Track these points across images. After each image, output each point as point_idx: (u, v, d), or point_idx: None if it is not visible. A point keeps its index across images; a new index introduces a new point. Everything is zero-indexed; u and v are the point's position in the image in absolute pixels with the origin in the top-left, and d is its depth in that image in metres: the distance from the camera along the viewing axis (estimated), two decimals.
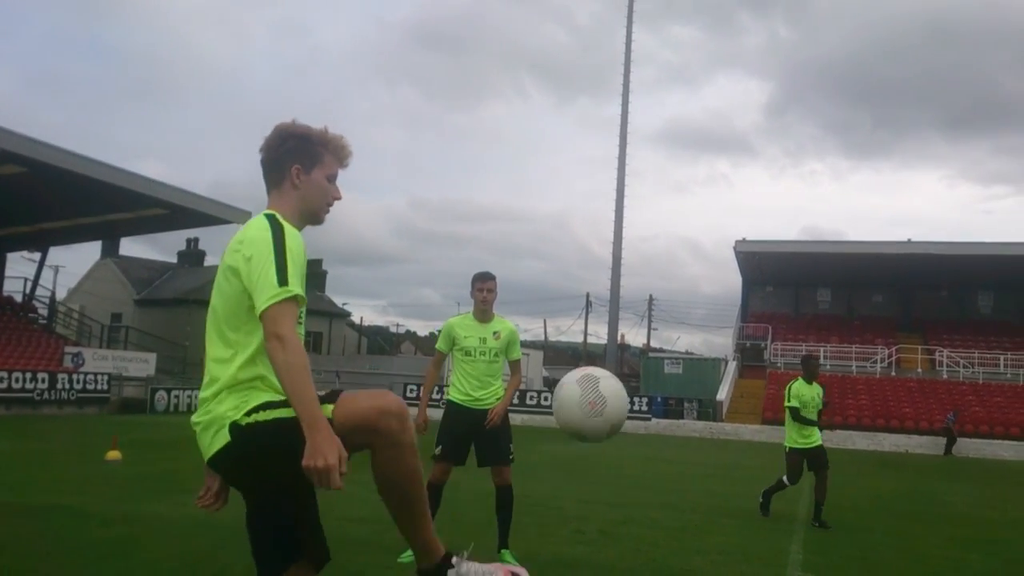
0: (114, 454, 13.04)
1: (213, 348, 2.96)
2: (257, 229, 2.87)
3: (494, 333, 6.86)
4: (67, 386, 28.59)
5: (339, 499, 10.00)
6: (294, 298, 2.75)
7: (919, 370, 39.37)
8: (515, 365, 7.04)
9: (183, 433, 17.14)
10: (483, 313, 6.88)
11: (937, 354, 39.66)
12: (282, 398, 2.79)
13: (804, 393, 10.67)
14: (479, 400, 6.79)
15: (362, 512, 9.11)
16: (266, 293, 2.73)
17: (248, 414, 2.81)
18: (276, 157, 3.05)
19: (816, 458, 10.63)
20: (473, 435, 6.75)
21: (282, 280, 2.73)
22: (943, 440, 30.80)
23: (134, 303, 46.90)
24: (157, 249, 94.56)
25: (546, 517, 9.44)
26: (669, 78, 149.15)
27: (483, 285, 6.86)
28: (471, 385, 6.79)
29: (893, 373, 38.93)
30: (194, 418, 2.98)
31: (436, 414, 6.45)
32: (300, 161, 3.04)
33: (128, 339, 39.72)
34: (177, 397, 32.03)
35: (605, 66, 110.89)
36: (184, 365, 40.45)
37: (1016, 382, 36.96)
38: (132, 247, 66.57)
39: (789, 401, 10.68)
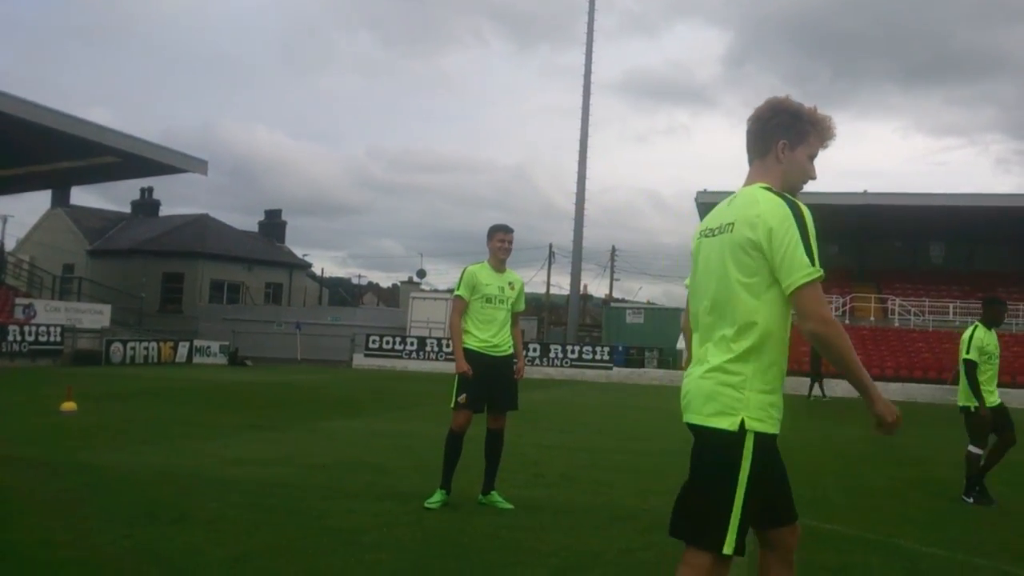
0: (69, 405, 12.91)
1: (717, 322, 3.02)
2: (773, 204, 2.92)
3: (509, 283, 7.06)
4: (19, 338, 28.19)
5: (301, 448, 10.06)
6: (820, 278, 2.87)
7: (872, 319, 40.04)
8: (517, 317, 7.19)
9: (140, 385, 17.10)
10: (500, 263, 7.07)
11: (890, 303, 40.33)
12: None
13: (989, 342, 8.65)
14: (497, 346, 6.91)
15: (324, 460, 9.17)
16: (799, 272, 2.84)
17: (762, 422, 2.97)
18: (765, 129, 3.11)
19: (1002, 415, 8.63)
20: (490, 381, 6.83)
21: (812, 260, 2.85)
22: (893, 386, 31.44)
23: (87, 254, 46.21)
24: (109, 199, 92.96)
25: (507, 462, 9.46)
26: (630, 26, 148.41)
27: (505, 236, 7.06)
28: (490, 332, 6.90)
29: (847, 321, 39.50)
30: (695, 370, 3.08)
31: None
32: (787, 136, 3.10)
33: (81, 290, 39.16)
34: (133, 349, 31.72)
35: (565, 12, 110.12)
36: (140, 316, 40.04)
37: (964, 329, 37.62)
38: (83, 196, 65.38)
39: (968, 353, 8.63)
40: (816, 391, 27.94)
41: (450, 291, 51.34)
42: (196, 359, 34.85)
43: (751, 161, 3.17)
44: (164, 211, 53.65)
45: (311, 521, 6.09)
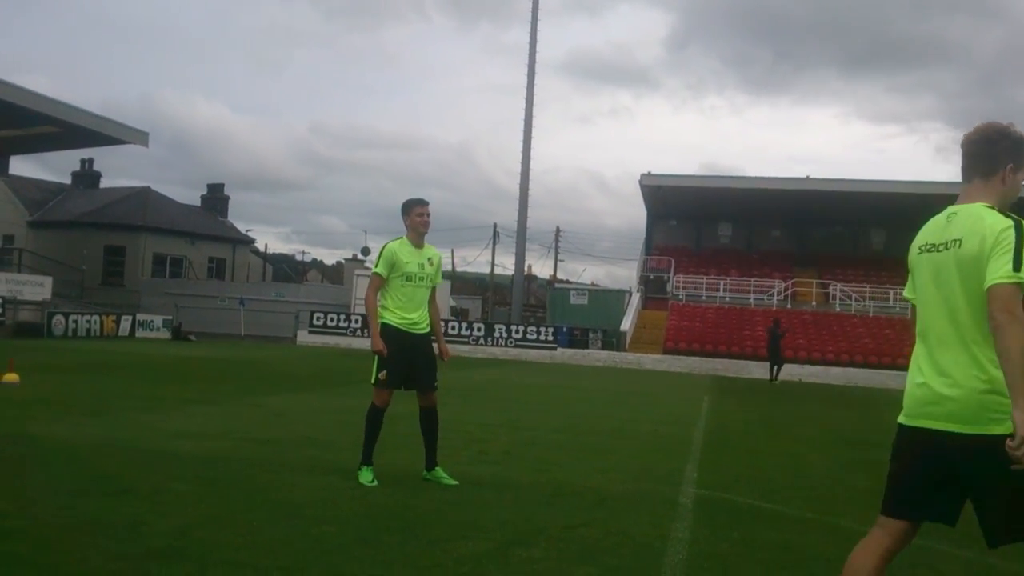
0: (11, 376, 12.69)
1: (963, 332, 3.17)
2: (1000, 220, 3.10)
3: (428, 259, 6.95)
4: None
5: (244, 423, 10.01)
6: (1020, 283, 2.99)
7: (813, 303, 40.74)
8: (434, 292, 7.11)
9: (82, 358, 16.86)
10: (420, 238, 6.95)
11: (831, 288, 41.04)
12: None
13: None
14: (416, 324, 6.85)
15: (267, 435, 9.14)
16: (1002, 271, 3.00)
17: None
18: (992, 152, 3.28)
19: None
20: (411, 360, 6.81)
21: (1018, 267, 2.98)
22: (835, 370, 32.15)
23: (27, 224, 45.19)
24: (47, 169, 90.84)
25: (451, 440, 9.55)
26: (573, 5, 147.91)
27: (423, 210, 6.93)
28: (411, 310, 6.82)
29: (789, 306, 40.18)
30: (939, 380, 3.20)
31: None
32: (1014, 160, 3.28)
33: (22, 262, 38.34)
34: (75, 322, 31.19)
35: None
36: (82, 289, 39.33)
37: (904, 315, 38.50)
38: (21, 166, 63.85)
39: None
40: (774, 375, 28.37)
41: None
42: (139, 333, 34.38)
43: (970, 179, 3.36)
44: (105, 183, 52.68)
45: (254, 494, 6.09)
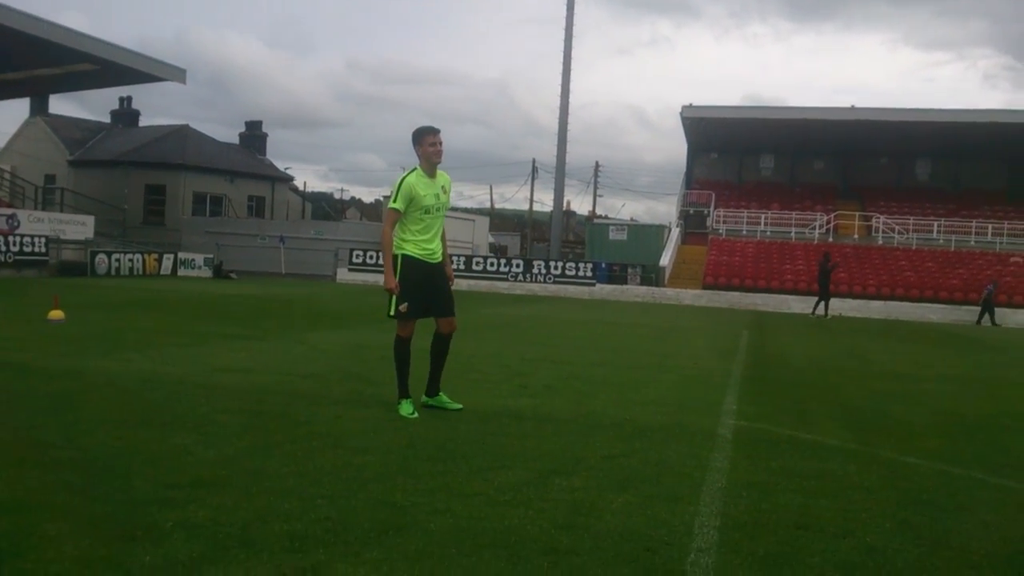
0: (56, 313, 12.92)
1: None
2: None
3: (442, 188, 6.87)
4: (3, 249, 28.06)
5: (287, 357, 10.15)
6: None
7: (855, 236, 40.21)
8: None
9: (126, 296, 17.14)
10: (433, 168, 6.82)
11: (874, 220, 40.46)
12: None
13: None
14: (434, 253, 6.85)
15: (310, 369, 9.26)
16: None
17: None
18: None
19: None
20: (432, 288, 6.84)
21: None
22: (875, 304, 31.83)
23: (68, 164, 45.63)
24: (86, 108, 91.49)
25: (492, 374, 9.66)
26: None
27: (435, 139, 6.78)
28: (428, 239, 6.80)
29: (830, 239, 39.70)
30: None
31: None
32: None
33: (64, 201, 38.81)
34: (118, 260, 31.65)
35: None
36: (124, 229, 39.81)
37: (948, 248, 37.99)
38: (61, 105, 64.31)
39: None
40: (820, 311, 28.06)
41: None
42: (181, 271, 34.83)
43: None
44: (143, 122, 52.92)
45: (298, 426, 6.18)
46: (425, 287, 6.77)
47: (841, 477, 5.56)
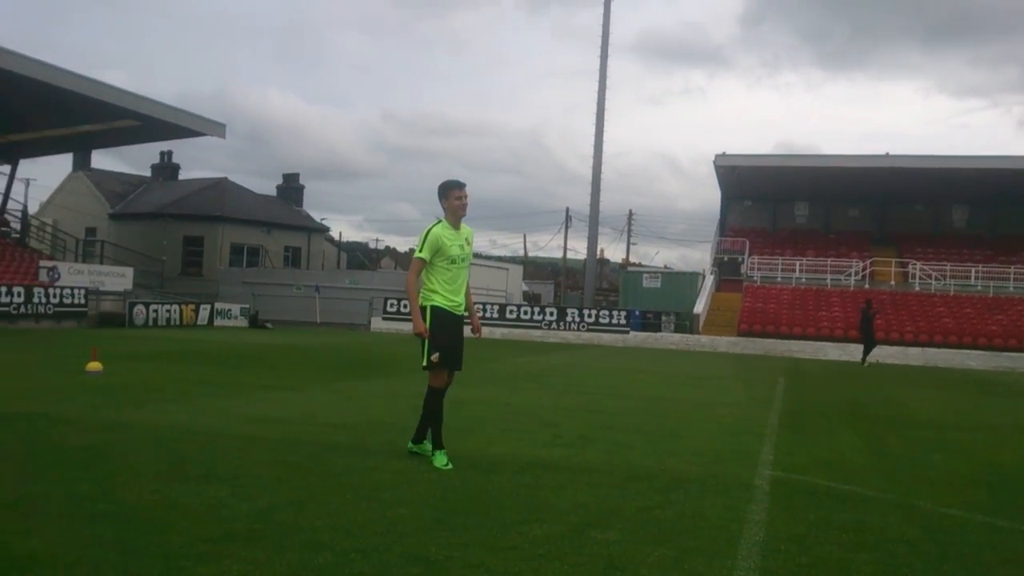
0: (95, 365, 13.06)
1: None
2: None
3: (466, 239, 7.00)
4: (44, 300, 28.49)
5: (322, 408, 10.17)
6: None
7: (892, 283, 39.83)
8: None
9: (163, 346, 17.26)
10: (458, 221, 6.96)
11: (910, 267, 40.08)
12: None
13: None
14: (459, 305, 6.95)
15: (344, 419, 9.27)
16: None
17: None
18: None
19: None
20: (456, 341, 6.92)
21: None
22: (913, 351, 31.41)
23: (108, 217, 46.47)
24: (127, 162, 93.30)
25: (526, 424, 9.62)
26: None
27: (461, 193, 6.93)
28: (454, 291, 6.90)
29: (867, 286, 39.36)
30: None
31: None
32: None
33: (104, 253, 39.45)
34: (156, 311, 32.00)
35: None
36: (162, 280, 40.33)
37: (986, 294, 37.49)
38: (103, 160, 65.60)
39: None
40: (871, 357, 27.82)
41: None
42: (217, 321, 35.13)
43: None
44: (183, 175, 53.87)
45: (333, 478, 6.18)
46: (454, 339, 6.87)
47: (881, 530, 5.46)
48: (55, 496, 5.32)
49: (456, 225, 6.94)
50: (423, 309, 6.80)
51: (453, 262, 6.86)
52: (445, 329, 6.78)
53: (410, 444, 7.22)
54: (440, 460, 6.76)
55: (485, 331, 37.19)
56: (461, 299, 6.96)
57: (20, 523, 4.68)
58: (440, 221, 6.93)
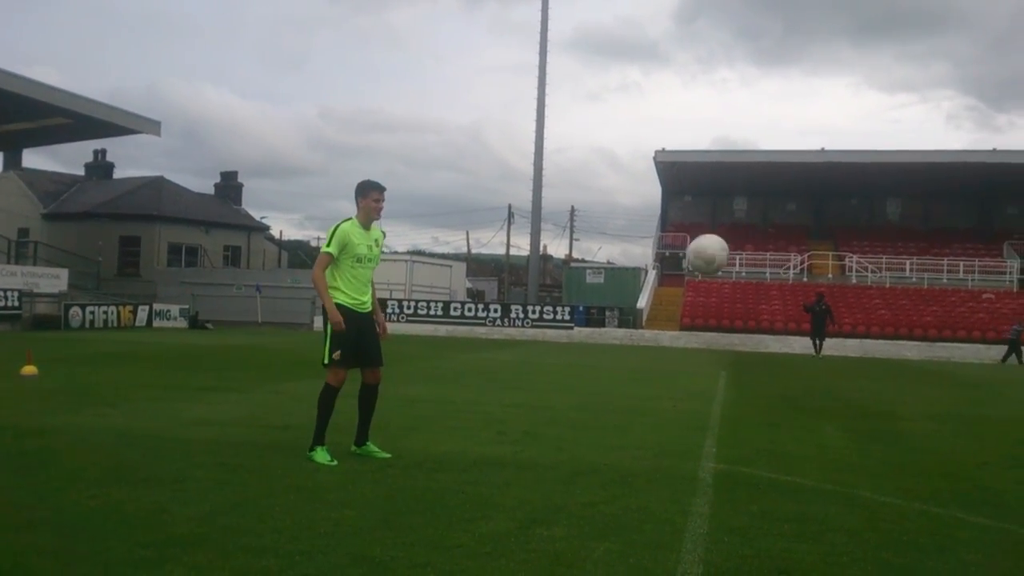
0: (30, 369, 12.77)
1: None
2: None
3: (375, 240, 7.06)
4: None
5: (264, 409, 10.04)
6: None
7: (830, 275, 40.57)
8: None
9: (100, 348, 16.93)
10: (369, 222, 7.03)
11: (847, 260, 40.85)
12: None
13: None
14: (363, 304, 7.00)
15: (287, 420, 9.18)
16: None
17: None
18: None
19: None
20: (360, 339, 6.94)
21: None
22: (851, 342, 32.02)
23: (41, 217, 45.41)
24: (60, 161, 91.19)
25: (470, 420, 9.62)
26: None
27: (380, 196, 7.03)
28: (358, 290, 6.95)
29: (805, 279, 40.03)
30: None
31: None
32: None
33: (37, 254, 38.54)
34: (92, 313, 31.38)
35: None
36: (98, 280, 39.52)
37: (921, 286, 38.36)
38: (34, 159, 64.10)
39: None
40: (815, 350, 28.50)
41: (410, 253, 51.31)
42: (156, 323, 34.58)
43: None
44: (118, 174, 52.83)
45: (275, 480, 6.12)
46: (355, 337, 6.87)
47: (822, 520, 5.55)
48: None
49: (367, 225, 7.00)
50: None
51: (359, 261, 6.91)
52: (349, 328, 6.80)
53: (353, 447, 7.20)
54: (322, 456, 6.77)
55: (429, 328, 37.56)
56: (366, 298, 7.01)
57: None
58: (351, 219, 6.98)
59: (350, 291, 6.90)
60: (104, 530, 4.68)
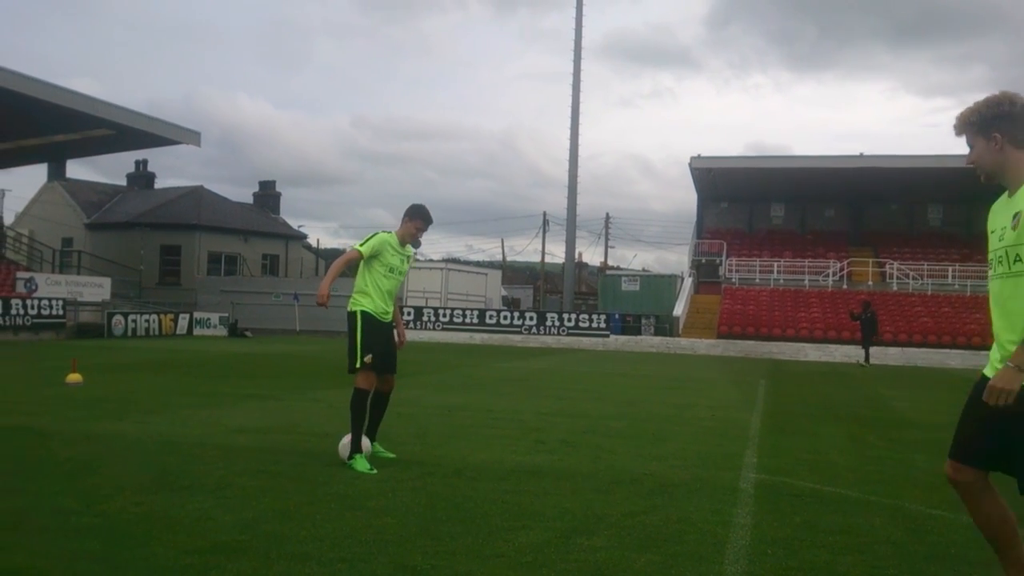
0: (75, 377, 12.96)
1: None
2: None
3: (407, 256, 7.43)
4: (21, 312, 28.24)
5: (303, 416, 10.12)
6: None
7: (870, 283, 40.08)
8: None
9: (143, 356, 17.15)
10: (406, 242, 7.40)
11: (887, 267, 40.36)
12: None
13: None
14: (387, 313, 7.29)
15: (326, 428, 9.23)
16: None
17: None
18: None
19: None
20: (388, 346, 7.27)
21: None
22: (892, 351, 31.60)
23: (85, 227, 46.08)
24: (102, 172, 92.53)
25: (508, 429, 9.62)
26: None
27: (424, 227, 7.44)
28: (385, 300, 7.25)
29: (845, 286, 39.61)
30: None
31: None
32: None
33: (81, 263, 39.13)
34: (134, 321, 31.79)
35: None
36: (140, 289, 40.04)
37: (963, 293, 37.80)
38: (77, 170, 65.10)
39: None
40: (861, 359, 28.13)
41: (445, 260, 51.43)
42: (196, 331, 34.93)
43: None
44: (159, 183, 53.52)
45: (316, 487, 6.15)
46: (384, 345, 7.20)
47: (867, 531, 5.49)
48: (39, 510, 5.27)
49: (403, 243, 7.38)
50: (353, 315, 7.18)
51: (391, 270, 7.24)
52: (376, 333, 7.12)
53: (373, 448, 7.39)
54: (362, 465, 6.85)
55: (464, 336, 37.59)
56: (389, 308, 7.30)
57: (5, 538, 4.63)
58: (391, 232, 7.37)
59: (378, 299, 7.20)
60: (149, 536, 4.73)
